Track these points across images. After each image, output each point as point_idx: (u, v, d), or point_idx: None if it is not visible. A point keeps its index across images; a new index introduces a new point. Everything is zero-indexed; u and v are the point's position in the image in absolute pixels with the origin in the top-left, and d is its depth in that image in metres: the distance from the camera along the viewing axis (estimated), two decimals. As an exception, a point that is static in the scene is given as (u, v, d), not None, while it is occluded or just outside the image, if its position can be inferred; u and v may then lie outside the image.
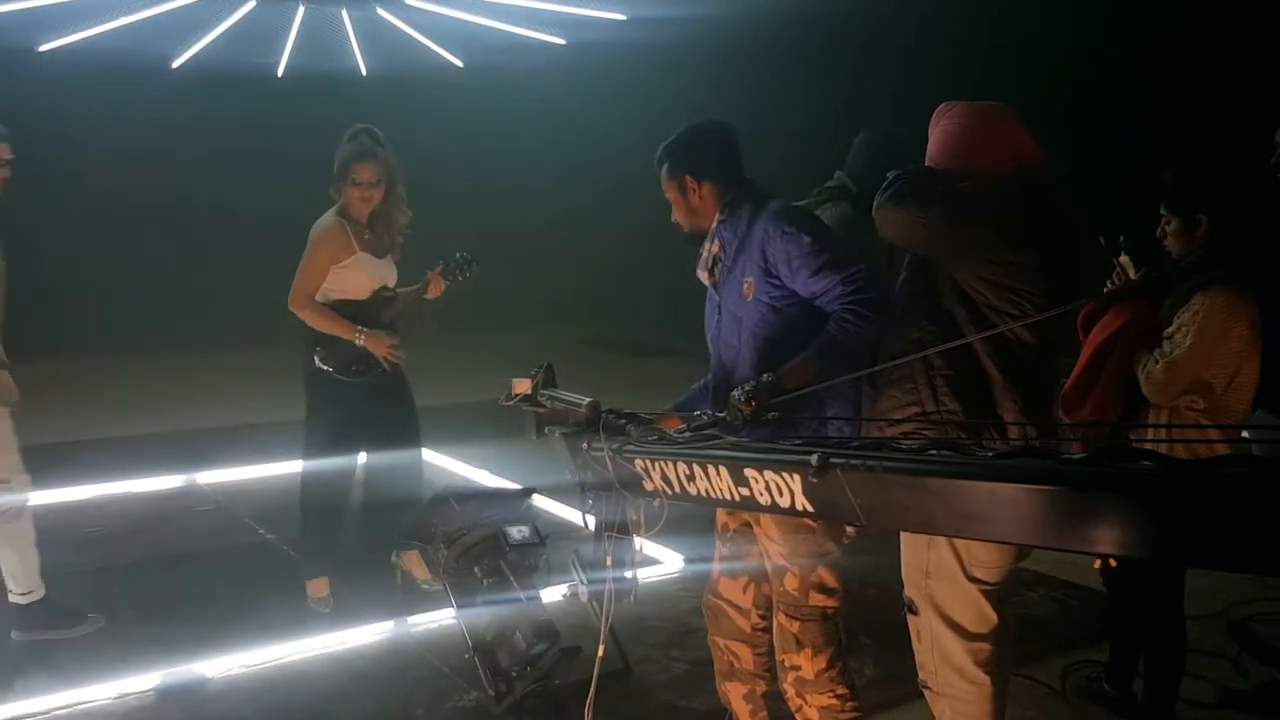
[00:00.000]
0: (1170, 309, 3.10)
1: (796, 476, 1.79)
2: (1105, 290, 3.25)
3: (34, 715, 3.46)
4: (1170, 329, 3.05)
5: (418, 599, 4.24)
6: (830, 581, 2.82)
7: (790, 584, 2.80)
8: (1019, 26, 9.72)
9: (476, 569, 3.22)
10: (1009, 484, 1.49)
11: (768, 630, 2.98)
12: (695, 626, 3.92)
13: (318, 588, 4.29)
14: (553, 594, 3.50)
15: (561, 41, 8.72)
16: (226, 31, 8.02)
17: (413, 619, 4.15)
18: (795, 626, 2.81)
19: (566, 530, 4.01)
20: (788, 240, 2.71)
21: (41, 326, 9.45)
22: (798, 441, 1.96)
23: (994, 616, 2.64)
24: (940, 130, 2.71)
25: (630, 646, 3.86)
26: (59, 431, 7.28)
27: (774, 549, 2.81)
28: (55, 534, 5.27)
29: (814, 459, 1.72)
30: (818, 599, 2.80)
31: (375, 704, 3.62)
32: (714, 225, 2.88)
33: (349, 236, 4.08)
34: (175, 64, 9.15)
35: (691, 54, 10.61)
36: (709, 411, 2.54)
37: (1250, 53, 8.84)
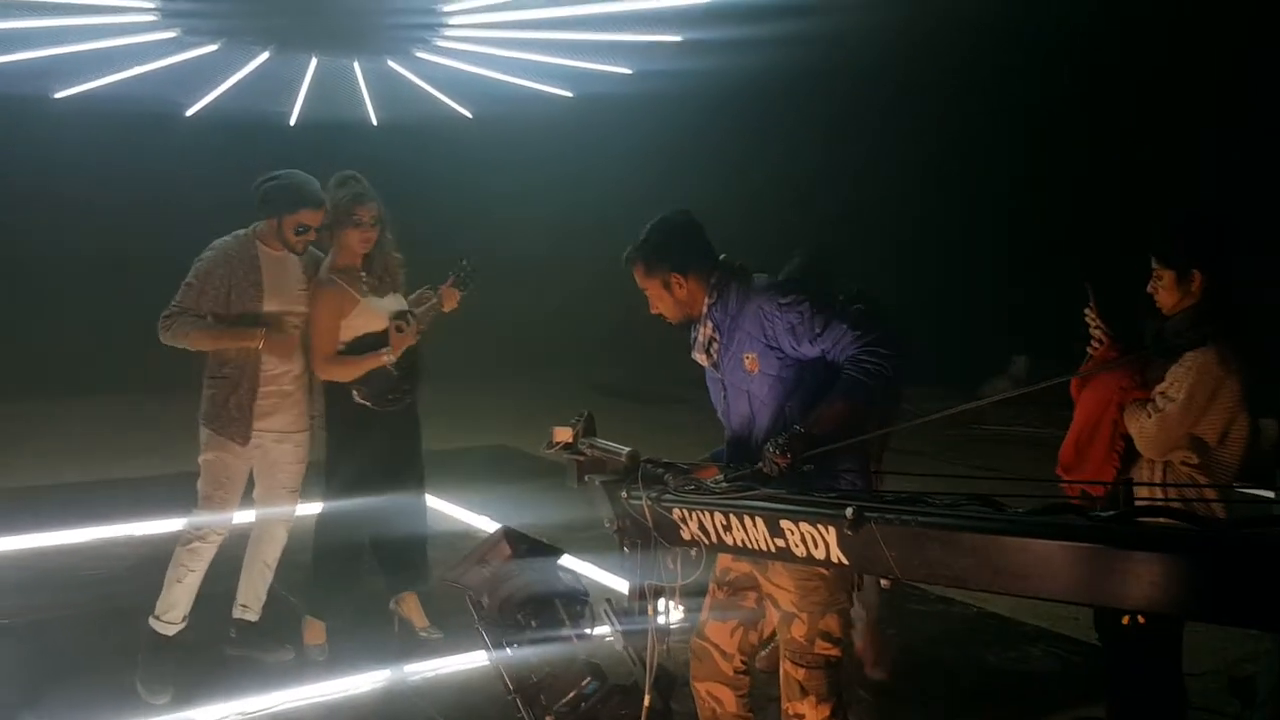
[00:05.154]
0: (1162, 364, 3.09)
1: (832, 529, 1.83)
2: (1087, 360, 3.23)
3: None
4: (1163, 385, 3.04)
5: (415, 647, 4.22)
6: (836, 631, 2.85)
7: (798, 631, 2.82)
8: (1006, 78, 9.86)
9: (520, 615, 3.11)
10: (1042, 540, 1.51)
11: (748, 673, 3.03)
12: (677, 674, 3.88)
13: (315, 634, 4.27)
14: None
15: (569, 94, 8.87)
16: (240, 81, 8.17)
17: (409, 667, 4.13)
18: (800, 674, 2.83)
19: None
20: (786, 311, 2.80)
21: (66, 368, 9.53)
22: (833, 494, 2.00)
23: None
24: None
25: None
26: (61, 473, 7.30)
27: (784, 596, 2.82)
28: (53, 576, 5.28)
29: (848, 512, 1.76)
30: (823, 647, 2.82)
31: (369, 753, 3.61)
32: (704, 310, 2.96)
33: (345, 291, 4.06)
34: (189, 112, 9.31)
35: (695, 107, 10.77)
36: (745, 464, 2.60)
37: (1241, 99, 8.95)
